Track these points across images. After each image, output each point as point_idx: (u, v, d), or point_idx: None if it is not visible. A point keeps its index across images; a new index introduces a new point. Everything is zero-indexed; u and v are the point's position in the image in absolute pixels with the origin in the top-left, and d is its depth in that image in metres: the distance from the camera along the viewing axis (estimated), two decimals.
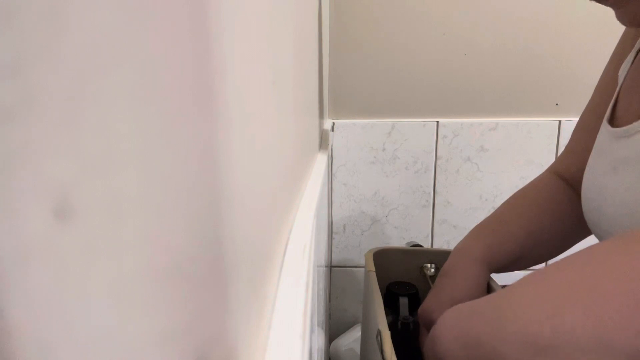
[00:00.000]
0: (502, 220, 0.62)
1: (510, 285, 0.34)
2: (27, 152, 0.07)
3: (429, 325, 0.55)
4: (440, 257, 0.68)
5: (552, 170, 0.70)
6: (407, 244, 0.83)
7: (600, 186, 0.47)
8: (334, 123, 1.03)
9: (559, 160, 0.69)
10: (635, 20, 0.45)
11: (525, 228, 0.60)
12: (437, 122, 1.02)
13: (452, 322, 0.36)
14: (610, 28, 0.94)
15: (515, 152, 1.01)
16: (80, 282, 0.09)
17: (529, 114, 1.00)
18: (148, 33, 0.10)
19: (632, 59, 0.50)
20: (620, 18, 0.46)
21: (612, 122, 0.49)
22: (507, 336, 0.30)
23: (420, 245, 0.80)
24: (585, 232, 0.59)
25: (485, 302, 0.34)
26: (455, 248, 0.62)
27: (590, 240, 0.50)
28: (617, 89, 0.51)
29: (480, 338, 0.32)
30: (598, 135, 0.51)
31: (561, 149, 1.00)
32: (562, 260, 0.32)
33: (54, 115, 0.08)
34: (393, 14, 0.98)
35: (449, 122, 1.01)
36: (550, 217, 0.61)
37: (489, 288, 0.63)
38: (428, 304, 0.56)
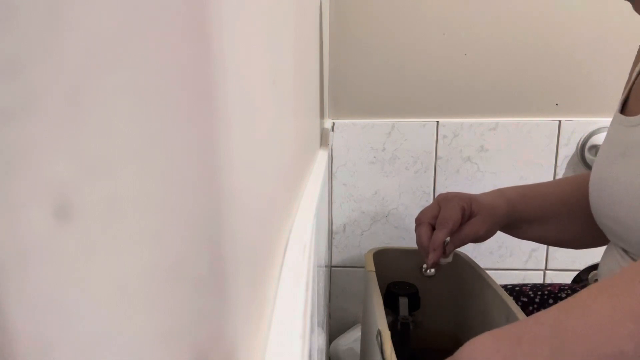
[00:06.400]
0: (542, 185, 0.68)
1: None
2: (27, 152, 0.07)
3: (419, 219, 0.63)
4: None
5: None
6: None
7: (608, 171, 0.48)
8: (334, 123, 1.03)
9: None
10: None
11: (556, 197, 0.64)
12: (437, 122, 1.02)
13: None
14: (610, 28, 0.94)
15: (515, 152, 1.01)
16: (80, 282, 0.09)
17: (529, 114, 1.00)
18: (148, 33, 0.10)
19: None
20: (637, 9, 0.49)
21: (624, 113, 0.51)
22: None
23: None
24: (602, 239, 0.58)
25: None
26: None
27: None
28: (630, 83, 0.54)
29: None
30: (609, 126, 0.54)
31: (561, 149, 1.00)
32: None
33: (54, 115, 0.08)
34: (393, 14, 0.98)
35: (449, 122, 1.01)
36: (582, 197, 0.63)
37: (486, 284, 0.63)
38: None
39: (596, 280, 0.64)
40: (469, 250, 0.72)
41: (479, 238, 0.61)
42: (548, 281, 1.07)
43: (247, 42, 0.18)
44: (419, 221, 0.63)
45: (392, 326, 0.66)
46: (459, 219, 0.59)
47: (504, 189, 0.66)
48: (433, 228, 0.61)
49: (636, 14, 0.51)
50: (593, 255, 0.80)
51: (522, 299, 0.70)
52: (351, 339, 1.03)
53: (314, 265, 0.35)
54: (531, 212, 0.63)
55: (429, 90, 1.01)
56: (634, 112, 0.49)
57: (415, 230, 0.63)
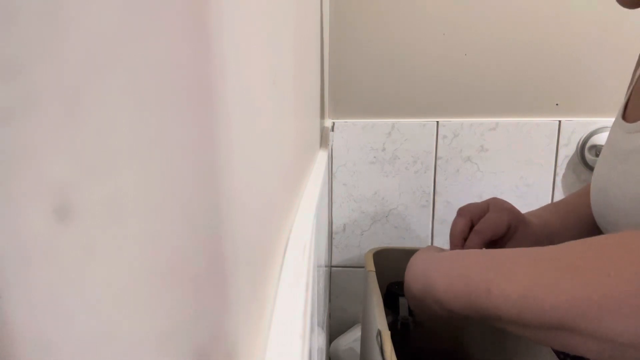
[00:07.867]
0: (582, 206, 0.65)
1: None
2: (27, 152, 0.07)
3: (463, 210, 0.62)
4: None
5: None
6: None
7: (608, 177, 0.48)
8: (334, 123, 1.03)
9: None
10: (630, 0, 0.48)
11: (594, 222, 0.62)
12: (437, 122, 1.02)
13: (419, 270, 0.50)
14: (610, 28, 0.94)
15: (515, 152, 1.01)
16: (80, 282, 0.09)
17: (529, 114, 1.00)
18: (148, 33, 0.10)
19: None
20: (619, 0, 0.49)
21: (625, 118, 0.51)
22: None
23: None
24: None
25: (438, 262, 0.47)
26: None
27: None
28: (631, 87, 0.53)
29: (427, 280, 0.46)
30: (611, 129, 0.53)
31: (561, 149, 1.00)
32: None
33: (54, 115, 0.08)
34: (393, 14, 0.98)
35: (449, 122, 1.01)
36: None
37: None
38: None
39: None
40: None
41: None
42: None
43: (247, 42, 0.18)
44: (461, 212, 0.60)
45: (392, 326, 0.66)
46: (500, 234, 0.57)
47: (547, 216, 0.62)
48: (471, 225, 0.59)
49: (633, 10, 0.51)
50: None
51: None
52: (351, 339, 1.03)
53: (314, 265, 0.35)
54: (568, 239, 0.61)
55: (429, 90, 1.01)
56: (633, 117, 0.49)
57: (455, 219, 0.60)
